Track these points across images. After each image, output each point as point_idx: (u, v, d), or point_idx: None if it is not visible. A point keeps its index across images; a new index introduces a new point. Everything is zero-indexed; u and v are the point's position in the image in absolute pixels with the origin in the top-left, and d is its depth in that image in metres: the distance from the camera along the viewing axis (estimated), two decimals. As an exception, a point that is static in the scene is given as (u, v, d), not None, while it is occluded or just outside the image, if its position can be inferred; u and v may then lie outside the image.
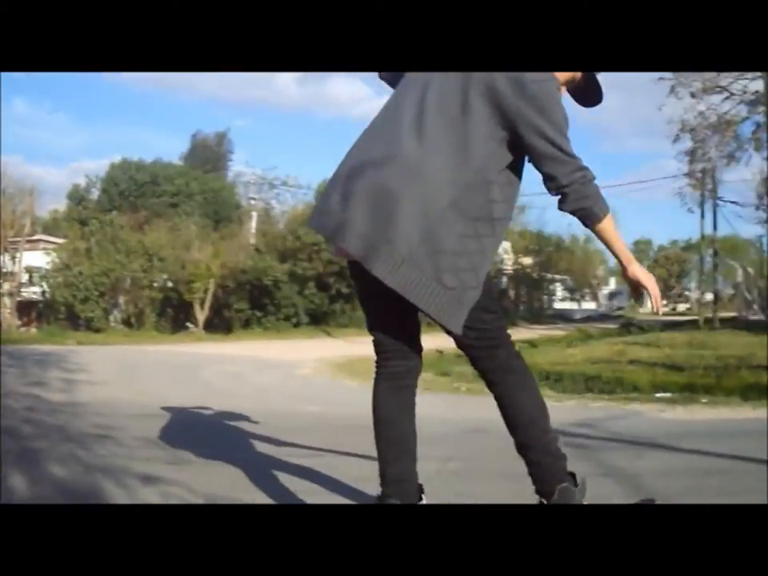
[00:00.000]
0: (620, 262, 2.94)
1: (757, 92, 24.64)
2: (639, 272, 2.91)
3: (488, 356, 3.01)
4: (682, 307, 70.13)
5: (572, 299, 63.77)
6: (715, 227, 34.08)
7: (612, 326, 33.86)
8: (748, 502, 3.42)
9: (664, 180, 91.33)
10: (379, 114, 2.94)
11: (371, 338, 3.08)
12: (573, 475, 3.00)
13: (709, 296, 37.26)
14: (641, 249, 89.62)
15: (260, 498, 3.94)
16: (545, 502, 2.94)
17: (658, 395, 8.91)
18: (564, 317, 46.30)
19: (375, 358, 3.09)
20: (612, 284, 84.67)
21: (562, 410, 7.60)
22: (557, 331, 27.96)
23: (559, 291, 59.65)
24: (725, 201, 32.85)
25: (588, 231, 2.94)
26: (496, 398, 3.06)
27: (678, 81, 25.46)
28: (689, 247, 66.29)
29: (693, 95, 25.76)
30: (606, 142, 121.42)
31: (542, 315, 43.81)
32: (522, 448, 3.04)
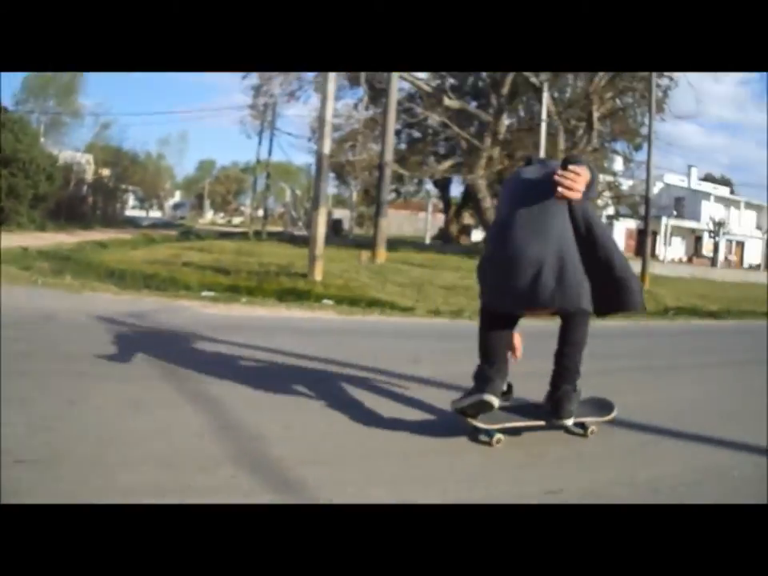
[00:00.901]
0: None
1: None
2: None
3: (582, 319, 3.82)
4: (237, 220, 71.35)
5: (141, 208, 63.19)
6: (270, 153, 35.56)
7: (173, 232, 34.03)
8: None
9: (230, 110, 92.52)
10: (508, 217, 3.74)
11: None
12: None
13: (260, 212, 38.64)
14: (205, 168, 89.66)
15: None
16: (560, 395, 3.74)
17: (204, 293, 9.25)
18: (134, 223, 45.72)
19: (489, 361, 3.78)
20: (177, 196, 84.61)
21: (121, 303, 7.79)
22: (126, 235, 27.45)
23: (131, 200, 58.81)
24: (281, 131, 34.60)
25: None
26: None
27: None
28: (247, 169, 67.66)
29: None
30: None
31: (114, 220, 42.74)
32: (561, 356, 3.87)
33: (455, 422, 3.73)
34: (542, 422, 3.79)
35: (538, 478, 3.16)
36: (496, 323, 3.86)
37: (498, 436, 3.57)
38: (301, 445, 3.32)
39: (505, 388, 3.84)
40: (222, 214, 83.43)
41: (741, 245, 51.45)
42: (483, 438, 3.61)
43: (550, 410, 3.76)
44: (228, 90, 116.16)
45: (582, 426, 3.89)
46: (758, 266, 39.45)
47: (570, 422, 3.77)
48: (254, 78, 28.75)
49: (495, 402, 3.60)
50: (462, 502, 2.76)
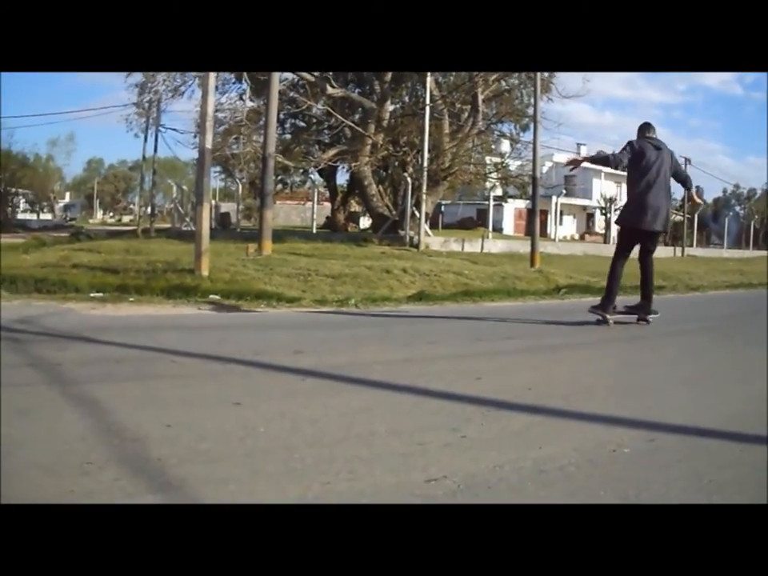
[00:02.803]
0: (691, 196, 10.06)
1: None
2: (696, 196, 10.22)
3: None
4: (126, 219, 69.02)
5: (32, 210, 60.61)
6: (156, 150, 34.30)
7: (64, 234, 32.59)
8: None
9: (115, 108, 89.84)
10: (652, 173, 7.32)
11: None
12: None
13: (149, 209, 37.60)
14: (93, 167, 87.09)
15: None
16: (649, 296, 7.61)
17: (92, 294, 8.90)
18: (24, 226, 43.49)
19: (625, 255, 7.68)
20: (67, 197, 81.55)
21: (11, 309, 7.40)
22: (17, 239, 26.07)
23: (22, 203, 56.54)
24: (167, 128, 33.35)
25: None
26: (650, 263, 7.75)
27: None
28: (134, 167, 66.00)
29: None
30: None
31: (5, 225, 40.87)
32: (647, 266, 7.68)
33: (338, 413, 3.68)
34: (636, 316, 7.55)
35: (421, 465, 2.96)
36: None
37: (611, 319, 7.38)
38: (183, 444, 3.16)
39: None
40: (111, 213, 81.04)
41: (633, 220, 51.73)
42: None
43: (647, 307, 7.45)
44: (112, 89, 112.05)
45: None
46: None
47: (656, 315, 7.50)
48: (138, 75, 27.51)
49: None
50: (342, 493, 2.64)
